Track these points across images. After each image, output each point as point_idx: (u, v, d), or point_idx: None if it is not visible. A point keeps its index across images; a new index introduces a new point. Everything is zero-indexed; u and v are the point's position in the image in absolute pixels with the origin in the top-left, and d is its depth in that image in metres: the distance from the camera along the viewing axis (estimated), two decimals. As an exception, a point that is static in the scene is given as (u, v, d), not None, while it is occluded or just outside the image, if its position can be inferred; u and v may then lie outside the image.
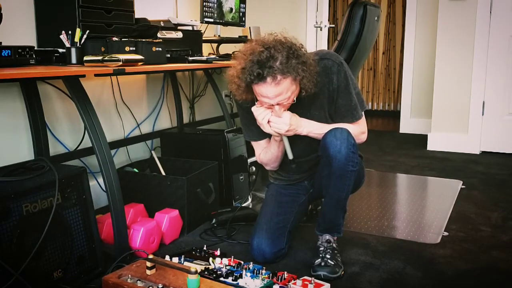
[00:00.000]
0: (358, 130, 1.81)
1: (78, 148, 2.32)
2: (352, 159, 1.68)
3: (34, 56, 1.73)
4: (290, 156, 1.77)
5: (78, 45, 1.88)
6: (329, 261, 1.73)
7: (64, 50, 1.90)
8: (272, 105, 1.63)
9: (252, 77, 1.57)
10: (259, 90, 1.61)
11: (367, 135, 1.87)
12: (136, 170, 2.37)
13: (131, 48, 2.00)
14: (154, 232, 1.96)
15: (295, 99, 1.66)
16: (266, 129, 1.70)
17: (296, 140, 1.80)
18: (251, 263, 1.69)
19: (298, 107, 1.71)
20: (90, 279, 1.72)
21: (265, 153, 1.89)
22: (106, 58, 1.79)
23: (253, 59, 1.58)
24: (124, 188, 1.88)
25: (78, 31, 1.89)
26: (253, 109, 1.70)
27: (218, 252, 1.81)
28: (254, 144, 1.93)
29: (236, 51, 1.77)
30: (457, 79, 3.82)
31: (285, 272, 1.63)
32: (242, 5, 3.21)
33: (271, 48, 1.58)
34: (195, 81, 3.26)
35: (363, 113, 1.83)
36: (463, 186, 2.89)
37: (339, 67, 1.73)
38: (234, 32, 3.33)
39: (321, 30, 4.19)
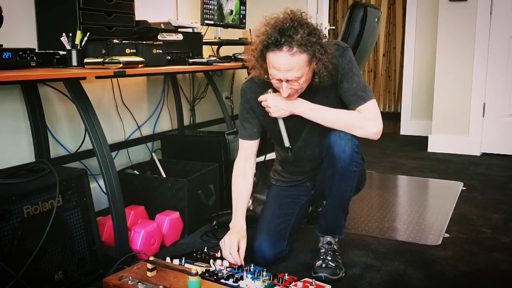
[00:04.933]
0: (361, 117, 1.67)
1: (79, 150, 2.32)
2: (356, 159, 1.68)
3: (34, 58, 1.73)
4: (287, 143, 1.77)
5: (78, 47, 1.89)
6: (330, 262, 1.73)
7: (64, 53, 1.90)
8: (281, 80, 1.60)
9: (269, 41, 1.55)
10: (272, 58, 1.57)
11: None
12: (137, 172, 2.37)
13: (131, 50, 2.00)
14: (154, 234, 1.96)
15: (304, 86, 1.63)
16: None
17: (307, 145, 1.80)
18: (252, 265, 1.69)
19: (305, 94, 1.70)
20: (91, 281, 1.72)
21: (236, 175, 1.88)
22: (106, 60, 1.80)
23: (276, 25, 1.57)
24: (124, 190, 1.89)
25: (78, 34, 1.89)
26: (264, 96, 1.71)
27: (219, 254, 1.81)
28: (240, 143, 1.90)
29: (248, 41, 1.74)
30: (458, 81, 3.81)
31: (286, 274, 1.63)
32: (243, 7, 3.22)
33: (296, 22, 1.56)
34: (196, 83, 3.26)
35: (373, 101, 1.70)
36: (463, 188, 2.89)
37: (344, 51, 1.70)
38: (234, 34, 3.33)
39: (321, 32, 4.19)
